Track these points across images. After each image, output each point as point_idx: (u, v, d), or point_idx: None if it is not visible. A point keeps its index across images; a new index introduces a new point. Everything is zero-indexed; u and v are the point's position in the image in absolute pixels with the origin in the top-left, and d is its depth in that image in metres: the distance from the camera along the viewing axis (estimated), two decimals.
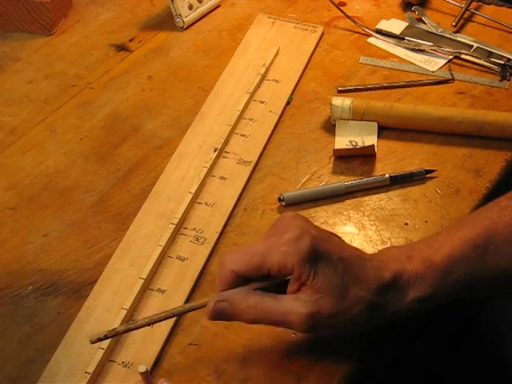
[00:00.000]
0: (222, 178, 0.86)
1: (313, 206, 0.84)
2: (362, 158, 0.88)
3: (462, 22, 1.08)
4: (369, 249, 0.79)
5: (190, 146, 0.90)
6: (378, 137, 0.90)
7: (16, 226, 0.83)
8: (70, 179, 0.88)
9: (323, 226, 0.81)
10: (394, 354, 0.78)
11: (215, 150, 0.88)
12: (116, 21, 1.11)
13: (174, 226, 0.80)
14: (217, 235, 0.80)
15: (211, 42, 1.07)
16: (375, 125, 0.91)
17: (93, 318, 0.73)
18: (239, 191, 0.85)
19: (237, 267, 0.65)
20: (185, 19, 1.08)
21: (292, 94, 0.97)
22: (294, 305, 0.64)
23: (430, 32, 1.06)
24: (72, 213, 0.84)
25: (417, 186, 0.85)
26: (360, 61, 1.03)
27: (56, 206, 0.85)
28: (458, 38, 1.05)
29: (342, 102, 0.91)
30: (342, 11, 1.08)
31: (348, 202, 0.84)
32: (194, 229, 0.81)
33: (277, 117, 0.94)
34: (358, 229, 0.82)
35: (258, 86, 0.98)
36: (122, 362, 0.70)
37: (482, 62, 1.01)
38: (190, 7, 1.09)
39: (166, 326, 0.72)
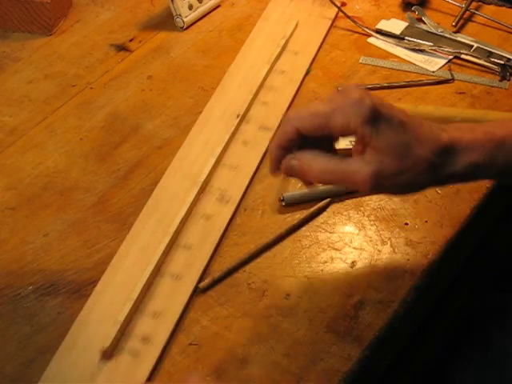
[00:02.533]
0: (244, 142, 0.90)
1: (313, 206, 0.84)
2: None
3: (462, 22, 1.08)
4: (369, 249, 0.79)
5: (213, 113, 0.93)
6: None
7: (16, 226, 0.83)
8: (70, 179, 0.88)
9: (323, 226, 0.82)
10: (394, 354, 0.78)
11: (238, 116, 0.91)
12: (116, 21, 1.11)
13: (199, 185, 0.83)
14: (240, 195, 0.84)
15: (211, 42, 1.07)
16: None
17: (121, 272, 0.77)
18: (261, 155, 0.88)
19: (301, 124, 0.68)
20: (185, 19, 1.08)
21: (311, 65, 1.01)
22: (359, 165, 0.67)
23: (430, 32, 1.06)
24: (72, 213, 0.84)
25: None
26: (360, 61, 1.03)
27: (56, 206, 0.85)
28: (458, 38, 1.05)
29: None
30: (342, 11, 1.08)
31: (348, 202, 0.84)
32: (219, 188, 0.84)
33: (296, 86, 0.97)
34: (358, 229, 0.82)
35: (278, 57, 1.01)
36: (151, 313, 0.73)
37: (482, 61, 1.01)
38: (190, 7, 1.09)
39: (191, 280, 0.76)
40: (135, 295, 0.73)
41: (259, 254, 0.79)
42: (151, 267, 0.75)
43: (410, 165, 0.67)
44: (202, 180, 0.84)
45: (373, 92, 0.97)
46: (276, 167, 0.70)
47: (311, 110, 0.69)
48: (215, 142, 0.89)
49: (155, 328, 0.72)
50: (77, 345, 0.71)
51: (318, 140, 0.69)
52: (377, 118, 0.67)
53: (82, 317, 0.73)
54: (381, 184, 0.68)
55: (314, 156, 0.69)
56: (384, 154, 0.67)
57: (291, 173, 0.70)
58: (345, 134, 0.68)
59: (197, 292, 0.75)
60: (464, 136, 0.69)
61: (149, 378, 0.69)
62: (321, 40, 1.05)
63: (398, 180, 0.68)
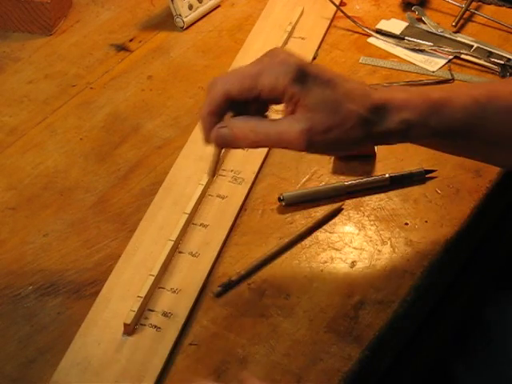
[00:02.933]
0: None
1: (313, 206, 0.84)
2: (362, 158, 0.88)
3: (462, 21, 1.08)
4: (369, 249, 0.79)
5: None
6: None
7: (16, 226, 0.83)
8: (70, 179, 0.88)
9: (323, 226, 0.81)
10: (394, 354, 0.78)
11: None
12: (116, 21, 1.11)
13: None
14: (253, 175, 0.86)
15: (211, 42, 1.07)
16: None
17: (140, 250, 0.78)
18: None
19: (229, 88, 0.68)
20: (185, 19, 1.08)
21: (318, 50, 1.03)
22: (291, 123, 0.68)
23: (430, 32, 1.06)
24: (72, 213, 0.84)
25: (417, 186, 0.85)
26: (360, 61, 1.03)
27: (56, 206, 0.85)
28: (458, 38, 1.05)
29: None
30: (342, 11, 1.08)
31: (348, 202, 0.84)
32: (232, 170, 0.86)
33: None
34: (358, 229, 0.82)
35: (285, 42, 1.03)
36: (171, 289, 0.75)
37: (482, 62, 1.01)
38: (190, 7, 1.09)
39: (211, 256, 0.78)
40: (156, 271, 0.75)
41: (272, 259, 0.79)
42: (170, 244, 0.77)
43: (341, 120, 0.68)
44: None
45: None
46: (209, 136, 0.70)
47: (238, 73, 0.69)
48: None
49: (176, 303, 0.74)
50: (98, 322, 0.72)
51: (250, 107, 0.69)
52: (304, 76, 0.67)
53: (102, 295, 0.75)
54: (314, 141, 0.68)
55: (244, 121, 0.69)
56: (314, 110, 0.67)
57: (223, 142, 0.69)
58: (274, 95, 0.68)
59: (214, 294, 0.75)
60: (396, 95, 0.70)
61: (171, 352, 0.70)
62: (327, 26, 1.07)
63: (330, 135, 0.68)
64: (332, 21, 1.09)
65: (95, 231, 0.82)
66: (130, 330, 0.71)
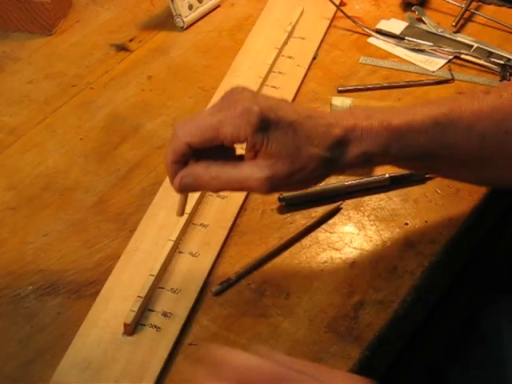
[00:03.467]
0: None
1: (313, 206, 0.84)
2: None
3: (462, 21, 1.08)
4: (369, 249, 0.79)
5: None
6: None
7: (16, 226, 0.83)
8: (70, 179, 0.88)
9: (323, 226, 0.82)
10: (394, 354, 0.78)
11: None
12: (116, 21, 1.11)
13: None
14: None
15: (211, 42, 1.07)
16: None
17: (140, 250, 0.79)
18: None
19: (191, 140, 0.69)
20: (185, 19, 1.08)
21: (318, 50, 1.04)
22: (253, 170, 0.69)
23: (430, 32, 1.06)
24: (72, 213, 0.84)
25: (417, 186, 0.85)
26: (360, 61, 1.03)
27: (56, 206, 0.85)
28: (458, 38, 1.05)
29: (342, 102, 0.91)
30: (342, 11, 1.08)
31: (348, 202, 0.84)
32: None
33: (304, 70, 1.00)
34: (358, 229, 0.82)
35: (285, 42, 1.04)
36: (171, 289, 0.75)
37: (482, 62, 1.01)
38: (190, 7, 1.09)
39: (211, 256, 0.78)
40: (156, 271, 0.75)
41: (273, 257, 0.79)
42: (170, 244, 0.77)
43: (302, 164, 0.69)
44: None
45: (371, 94, 0.97)
46: (174, 183, 0.71)
47: (200, 124, 0.69)
48: None
49: (176, 303, 0.74)
50: (98, 322, 0.73)
51: (214, 149, 0.70)
52: (266, 124, 0.68)
53: (102, 295, 0.75)
54: (276, 186, 0.70)
55: (206, 168, 0.70)
56: (275, 157, 0.68)
57: (187, 189, 0.71)
58: (236, 143, 0.70)
59: (213, 293, 0.75)
60: (358, 123, 0.71)
61: (171, 352, 0.70)
62: (327, 26, 1.08)
63: (293, 179, 0.70)
64: (332, 21, 1.09)
65: (95, 231, 0.82)
66: (130, 329, 0.71)
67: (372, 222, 0.82)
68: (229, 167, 0.70)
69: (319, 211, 0.83)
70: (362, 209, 0.83)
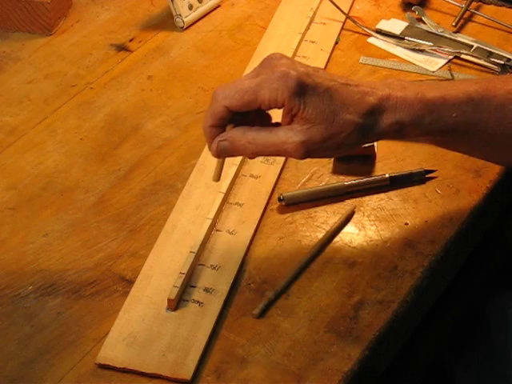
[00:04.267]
0: None
1: (313, 206, 0.84)
2: (361, 158, 0.88)
3: (462, 21, 1.08)
4: (369, 249, 0.79)
5: None
6: None
7: (16, 226, 0.83)
8: (70, 179, 0.88)
9: (323, 226, 0.81)
10: (394, 354, 0.78)
11: None
12: (116, 21, 1.11)
13: None
14: (283, 158, 0.88)
15: (211, 42, 1.07)
16: None
17: (178, 229, 0.81)
18: None
19: (229, 103, 0.70)
20: (185, 19, 1.08)
21: (339, 35, 1.06)
22: (288, 135, 0.71)
23: (430, 32, 1.06)
24: (72, 213, 0.84)
25: (417, 186, 0.85)
26: (360, 61, 1.03)
27: (56, 206, 0.85)
28: (458, 38, 1.05)
29: None
30: (342, 11, 1.08)
31: (348, 202, 0.84)
32: None
33: (327, 54, 1.03)
34: (358, 229, 0.82)
35: (308, 27, 1.06)
36: (211, 265, 0.77)
37: (482, 62, 1.01)
38: (190, 7, 1.09)
39: (248, 234, 0.80)
40: (196, 248, 0.77)
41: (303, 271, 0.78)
42: (208, 222, 0.79)
43: (337, 130, 0.71)
44: None
45: None
46: (211, 147, 0.73)
47: (238, 87, 0.71)
48: None
49: (216, 279, 0.76)
50: (142, 299, 0.74)
51: (251, 114, 0.72)
52: (302, 89, 0.70)
53: (143, 272, 0.77)
54: (311, 150, 0.71)
55: (243, 133, 0.72)
56: (311, 122, 0.70)
57: (224, 154, 0.73)
58: (273, 107, 0.71)
59: (255, 315, 0.74)
60: (393, 94, 0.73)
61: (215, 326, 0.72)
62: (347, 10, 1.09)
63: (328, 144, 0.71)
64: (350, 9, 1.11)
65: (95, 231, 0.82)
66: (174, 304, 0.73)
67: (372, 222, 0.82)
68: (265, 132, 0.71)
69: (319, 211, 0.83)
70: (361, 209, 0.83)
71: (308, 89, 0.70)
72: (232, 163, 0.85)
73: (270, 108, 0.71)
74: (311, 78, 0.71)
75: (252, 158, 0.76)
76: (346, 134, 0.71)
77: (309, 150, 0.71)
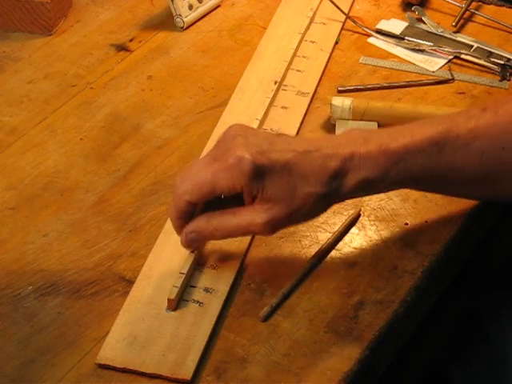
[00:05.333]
0: (283, 107, 0.95)
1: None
2: None
3: (462, 21, 1.08)
4: (369, 249, 0.79)
5: (251, 81, 0.99)
6: None
7: (16, 226, 0.83)
8: (70, 179, 0.88)
9: (323, 226, 0.81)
10: (394, 354, 0.78)
11: (276, 83, 0.97)
12: (116, 21, 1.11)
13: None
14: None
15: (211, 42, 1.07)
16: (375, 125, 0.91)
17: None
18: (300, 118, 0.94)
19: (190, 197, 0.72)
20: (185, 19, 1.08)
21: (339, 35, 1.06)
22: (252, 217, 0.71)
23: (430, 32, 1.06)
24: (72, 213, 0.84)
25: None
26: (360, 61, 1.03)
27: (56, 206, 0.85)
28: (458, 38, 1.05)
29: (342, 102, 0.91)
30: (342, 11, 1.08)
31: (348, 202, 0.84)
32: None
33: (327, 54, 1.03)
34: (358, 229, 0.82)
35: (308, 27, 1.07)
36: (211, 265, 0.77)
37: (482, 62, 1.01)
38: (190, 7, 1.09)
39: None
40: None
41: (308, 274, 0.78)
42: None
43: (299, 204, 0.71)
44: None
45: (371, 94, 0.97)
46: (181, 239, 0.75)
47: (196, 179, 0.71)
48: (255, 108, 0.94)
49: (216, 279, 0.76)
50: (142, 298, 0.74)
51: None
52: (259, 171, 0.70)
53: (144, 272, 0.77)
54: (278, 226, 0.72)
55: (207, 221, 0.73)
56: (272, 202, 0.70)
57: (195, 244, 0.75)
58: (234, 193, 0.71)
59: (261, 318, 0.74)
60: (356, 151, 0.72)
61: (215, 326, 0.72)
62: (347, 10, 1.09)
63: (293, 217, 0.72)
64: (350, 9, 1.11)
65: (95, 231, 0.82)
66: (174, 305, 0.73)
67: (372, 222, 0.82)
68: (229, 216, 0.72)
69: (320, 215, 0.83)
70: (362, 209, 0.83)
71: (265, 170, 0.70)
72: None
73: (231, 194, 0.71)
74: (266, 156, 0.70)
75: (221, 239, 0.76)
76: (309, 205, 0.71)
77: (275, 227, 0.72)
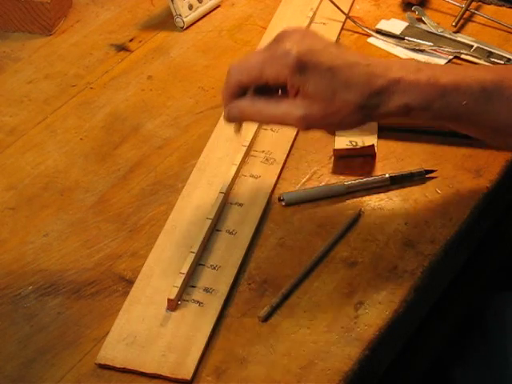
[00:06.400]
0: None
1: (313, 206, 0.84)
2: (361, 158, 0.88)
3: (462, 21, 1.08)
4: (369, 249, 0.79)
5: None
6: (378, 137, 0.90)
7: (16, 226, 0.83)
8: (70, 179, 0.88)
9: (323, 226, 0.81)
10: (394, 354, 0.78)
11: None
12: (116, 21, 1.11)
13: (245, 148, 0.88)
14: (284, 156, 0.88)
15: (211, 42, 1.07)
16: (375, 125, 0.91)
17: (178, 229, 0.81)
18: None
19: (241, 77, 0.75)
20: (185, 19, 1.08)
21: (339, 35, 1.06)
22: (291, 109, 0.73)
23: (430, 32, 1.06)
24: (72, 213, 0.84)
25: (417, 186, 0.85)
26: None
27: (56, 206, 0.85)
28: (458, 38, 1.05)
29: None
30: (341, 11, 1.08)
31: (348, 202, 0.84)
32: (263, 151, 0.89)
33: None
34: (359, 229, 0.81)
35: (308, 27, 1.06)
36: (211, 265, 0.77)
37: (481, 62, 1.01)
38: (190, 7, 1.09)
39: (247, 233, 0.80)
40: (196, 248, 0.77)
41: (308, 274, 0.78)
42: (208, 222, 0.79)
43: (336, 109, 0.72)
44: (247, 143, 0.88)
45: None
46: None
47: (248, 63, 0.75)
48: None
49: (216, 279, 0.76)
50: (141, 299, 0.74)
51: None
52: (303, 67, 0.72)
53: (144, 272, 0.77)
54: (312, 124, 0.74)
55: (251, 103, 0.75)
56: (311, 99, 0.72)
57: (235, 120, 0.77)
58: (279, 83, 0.74)
59: (261, 318, 0.74)
60: (405, 76, 0.73)
61: (215, 326, 0.72)
62: (347, 10, 1.09)
63: (329, 120, 0.74)
64: (350, 10, 1.11)
65: (95, 231, 0.82)
66: (174, 305, 0.73)
67: (372, 222, 0.82)
68: (272, 104, 0.74)
69: (319, 211, 0.83)
70: (362, 209, 0.83)
71: (309, 66, 0.72)
72: (232, 163, 0.86)
73: (276, 84, 0.74)
74: (315, 55, 0.72)
75: (259, 123, 0.81)
76: (345, 113, 0.73)
77: (310, 124, 0.74)
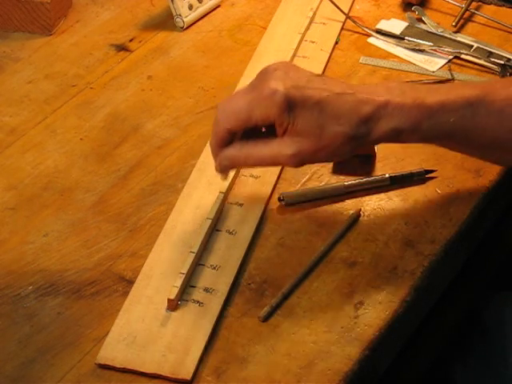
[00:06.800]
0: None
1: (313, 206, 0.84)
2: (362, 157, 0.88)
3: (462, 21, 1.08)
4: (369, 249, 0.79)
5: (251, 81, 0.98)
6: None
7: (16, 226, 0.83)
8: (70, 179, 0.88)
9: (323, 226, 0.81)
10: (394, 354, 0.78)
11: None
12: (116, 21, 1.11)
13: None
14: None
15: (211, 42, 1.07)
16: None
17: (178, 229, 0.81)
18: None
19: (229, 125, 0.74)
20: (185, 19, 1.08)
21: (339, 35, 1.06)
22: (281, 148, 0.74)
23: (430, 32, 1.06)
24: (72, 213, 0.84)
25: (417, 186, 0.85)
26: (360, 61, 1.03)
27: (56, 206, 0.85)
28: (458, 38, 1.05)
29: None
30: (341, 11, 1.08)
31: (348, 202, 0.84)
32: None
33: (327, 54, 1.03)
34: (358, 229, 0.81)
35: (308, 28, 1.06)
36: (211, 265, 0.77)
37: (482, 62, 1.01)
38: (190, 7, 1.09)
39: (247, 233, 0.80)
40: (196, 248, 0.77)
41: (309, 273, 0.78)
42: (208, 222, 0.79)
43: (327, 142, 0.73)
44: None
45: None
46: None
47: (234, 108, 0.74)
48: None
49: (216, 279, 0.76)
50: (142, 299, 0.74)
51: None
52: (291, 104, 0.72)
53: (144, 272, 0.77)
54: (304, 161, 0.75)
55: (239, 150, 0.75)
56: (301, 135, 0.73)
57: (227, 170, 0.78)
58: (268, 124, 0.74)
59: (261, 318, 0.74)
60: (391, 100, 0.73)
61: (215, 326, 0.72)
62: (347, 10, 1.09)
63: (320, 154, 0.74)
64: (350, 10, 1.11)
65: (95, 231, 0.82)
66: (174, 305, 0.73)
67: (372, 222, 0.82)
68: (260, 146, 0.75)
69: (319, 211, 0.83)
70: (362, 209, 0.83)
71: (297, 103, 0.72)
72: None
73: (265, 124, 0.74)
74: (301, 91, 0.72)
75: (252, 167, 0.82)
76: (337, 145, 0.73)
77: (302, 160, 0.74)
